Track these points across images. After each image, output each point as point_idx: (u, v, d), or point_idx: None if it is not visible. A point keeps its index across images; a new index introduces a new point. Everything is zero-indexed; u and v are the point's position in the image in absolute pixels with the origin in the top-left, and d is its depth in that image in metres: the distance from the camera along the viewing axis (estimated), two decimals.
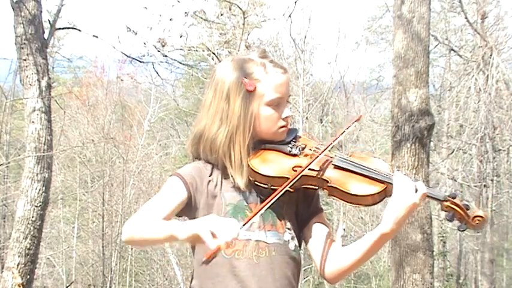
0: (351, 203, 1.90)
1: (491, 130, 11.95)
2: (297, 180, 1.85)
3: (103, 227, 17.75)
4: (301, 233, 1.99)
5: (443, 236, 16.25)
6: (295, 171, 1.89)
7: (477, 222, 1.81)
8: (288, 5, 8.93)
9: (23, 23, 6.92)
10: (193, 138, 1.98)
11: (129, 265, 19.04)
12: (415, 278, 6.01)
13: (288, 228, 1.95)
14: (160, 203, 1.87)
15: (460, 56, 13.85)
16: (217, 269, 1.87)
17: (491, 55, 10.91)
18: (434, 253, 7.83)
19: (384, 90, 18.35)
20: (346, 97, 18.69)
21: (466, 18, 11.90)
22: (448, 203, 1.81)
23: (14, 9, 6.99)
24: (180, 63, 9.76)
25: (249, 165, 1.92)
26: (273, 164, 1.92)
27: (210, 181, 1.93)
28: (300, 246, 2.00)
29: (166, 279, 18.70)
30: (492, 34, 13.05)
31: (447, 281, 16.19)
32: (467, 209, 1.80)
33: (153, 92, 22.37)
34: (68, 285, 17.33)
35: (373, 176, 1.88)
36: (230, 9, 9.06)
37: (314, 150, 1.95)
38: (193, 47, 9.33)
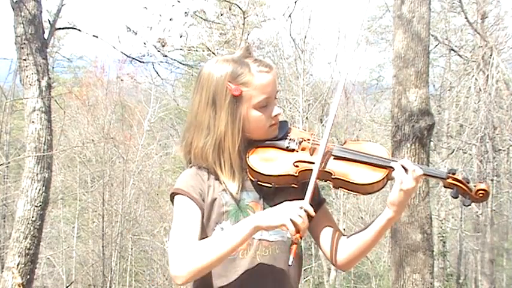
0: (356, 192, 1.89)
1: (491, 130, 11.95)
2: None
3: (103, 227, 17.74)
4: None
5: (443, 236, 16.23)
6: (297, 166, 1.88)
7: (481, 195, 1.84)
8: (288, 5, 8.96)
9: (23, 23, 6.91)
10: (185, 146, 1.97)
11: (129, 265, 19.04)
12: (415, 278, 6.01)
13: None
14: (188, 229, 1.83)
15: (460, 56, 13.84)
16: (219, 269, 1.86)
17: (491, 55, 10.92)
18: (434, 253, 7.82)
19: (384, 90, 18.36)
20: (346, 97, 18.68)
21: (466, 18, 11.90)
22: (450, 180, 1.85)
23: (14, 9, 6.98)
24: (180, 63, 9.74)
25: (249, 166, 1.90)
26: (274, 163, 1.90)
27: (209, 186, 1.91)
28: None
29: (167, 279, 18.67)
30: (492, 34, 13.04)
31: (447, 281, 16.17)
32: (468, 183, 1.84)
33: (153, 92, 22.37)
34: (68, 285, 17.32)
35: (374, 162, 1.88)
36: (230, 9, 9.07)
37: (312, 143, 1.93)
38: (193, 47, 9.35)
